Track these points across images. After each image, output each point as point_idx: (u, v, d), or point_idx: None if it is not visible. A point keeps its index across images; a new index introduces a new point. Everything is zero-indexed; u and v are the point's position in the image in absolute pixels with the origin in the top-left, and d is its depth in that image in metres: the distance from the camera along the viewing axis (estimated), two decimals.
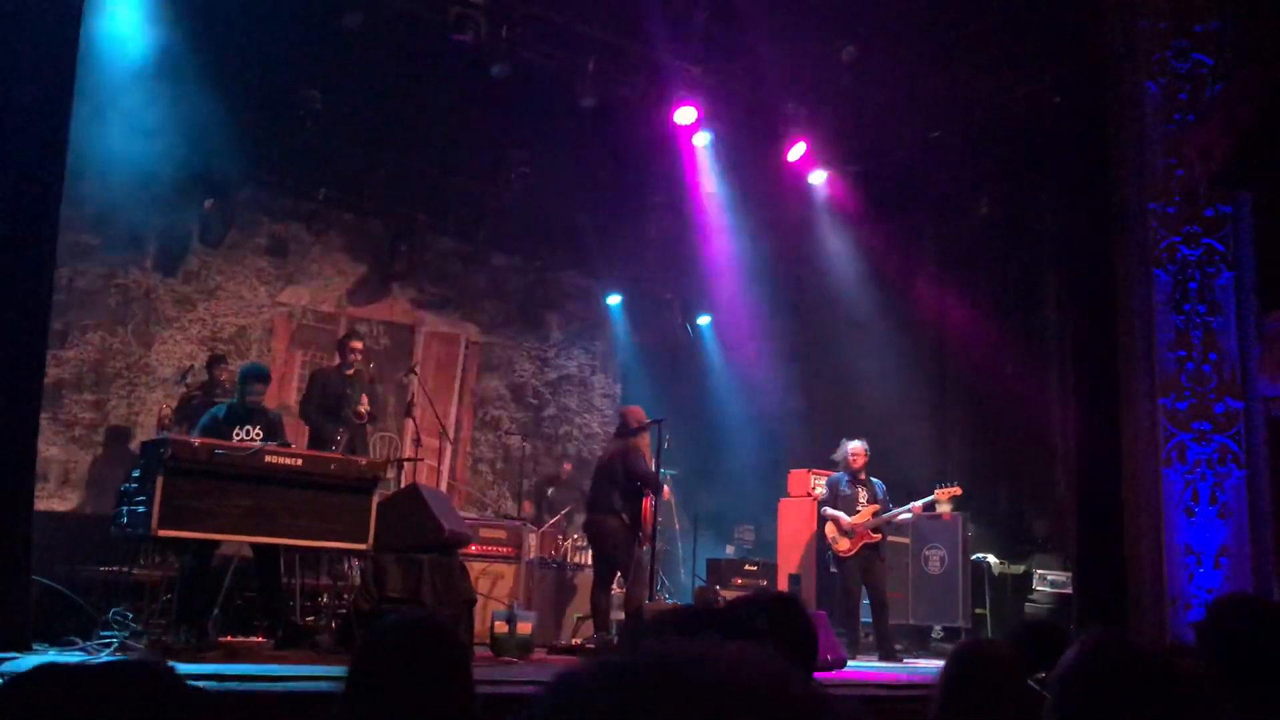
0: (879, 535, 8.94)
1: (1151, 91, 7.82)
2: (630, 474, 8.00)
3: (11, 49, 5.69)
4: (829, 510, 9.07)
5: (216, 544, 6.47)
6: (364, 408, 8.64)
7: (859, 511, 8.94)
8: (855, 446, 9.13)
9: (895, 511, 9.01)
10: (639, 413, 8.44)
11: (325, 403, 8.74)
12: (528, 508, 11.26)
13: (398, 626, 2.14)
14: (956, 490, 9.12)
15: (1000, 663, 2.37)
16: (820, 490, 9.62)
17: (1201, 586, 7.26)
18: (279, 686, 4.63)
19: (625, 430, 8.31)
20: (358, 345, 9.04)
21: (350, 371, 8.84)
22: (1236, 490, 7.38)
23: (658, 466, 8.41)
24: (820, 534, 9.32)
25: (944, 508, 9.57)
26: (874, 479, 9.15)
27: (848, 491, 9.06)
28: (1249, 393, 7.45)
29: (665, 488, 8.76)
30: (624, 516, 8.00)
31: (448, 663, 2.06)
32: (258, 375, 7.11)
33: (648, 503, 8.10)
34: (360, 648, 2.17)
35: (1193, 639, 6.87)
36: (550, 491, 11.48)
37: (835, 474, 9.38)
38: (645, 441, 8.38)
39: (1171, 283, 7.61)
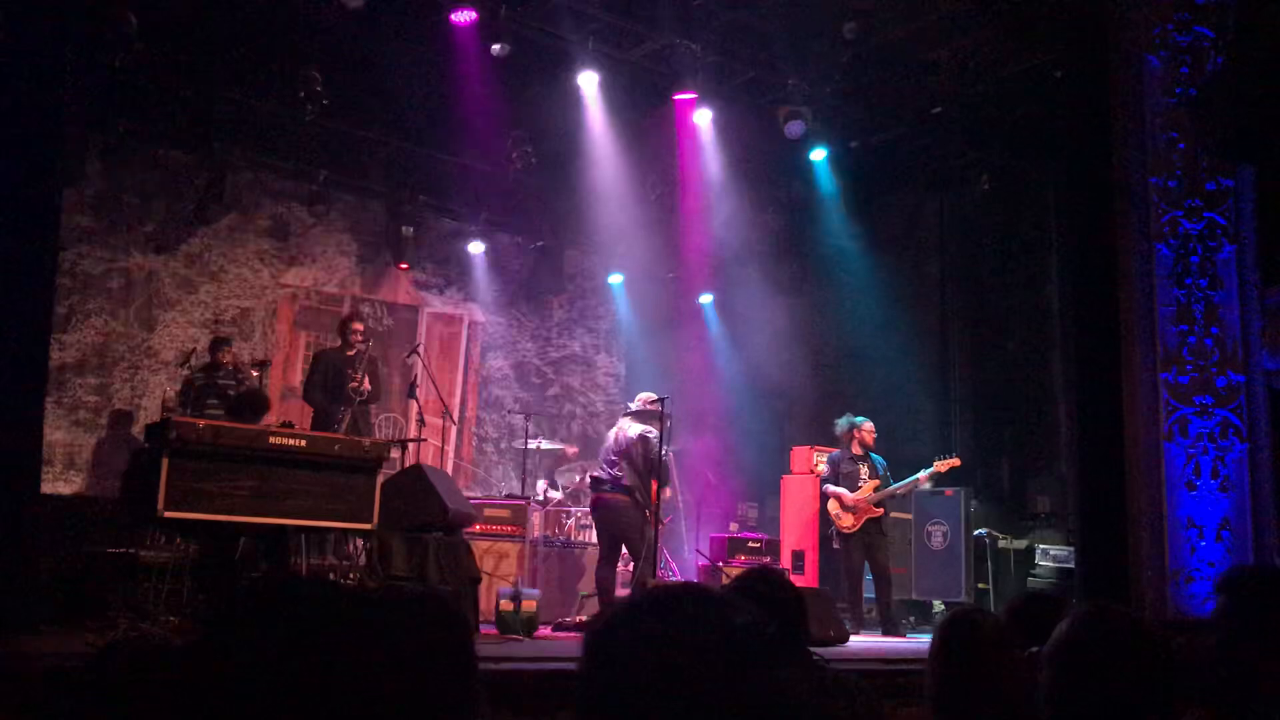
0: (881, 510, 8.99)
1: (1153, 65, 7.78)
2: (649, 461, 8.04)
3: (5, 33, 5.68)
4: (831, 488, 9.10)
5: (234, 530, 6.50)
6: (364, 385, 8.67)
7: (860, 487, 8.98)
8: (869, 425, 9.17)
9: (896, 486, 9.04)
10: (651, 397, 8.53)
11: (328, 384, 8.76)
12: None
13: (400, 602, 2.16)
14: (956, 461, 9.16)
15: (987, 632, 2.39)
16: (823, 467, 9.65)
17: (1203, 559, 7.28)
18: None
19: (644, 414, 8.34)
20: (359, 326, 9.06)
21: (353, 352, 8.86)
22: (1238, 463, 7.39)
23: (662, 445, 8.44)
24: (823, 511, 9.36)
25: (927, 483, 9.54)
26: (874, 455, 9.19)
27: (849, 468, 9.10)
28: (1250, 366, 7.45)
29: (669, 489, 8.80)
30: (637, 497, 8.04)
31: (450, 638, 2.08)
32: (252, 404, 7.11)
33: (655, 485, 8.14)
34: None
35: (1193, 612, 6.90)
36: (556, 472, 11.50)
37: (837, 451, 9.42)
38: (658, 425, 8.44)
39: (1173, 257, 7.60)
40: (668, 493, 8.86)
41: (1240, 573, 2.92)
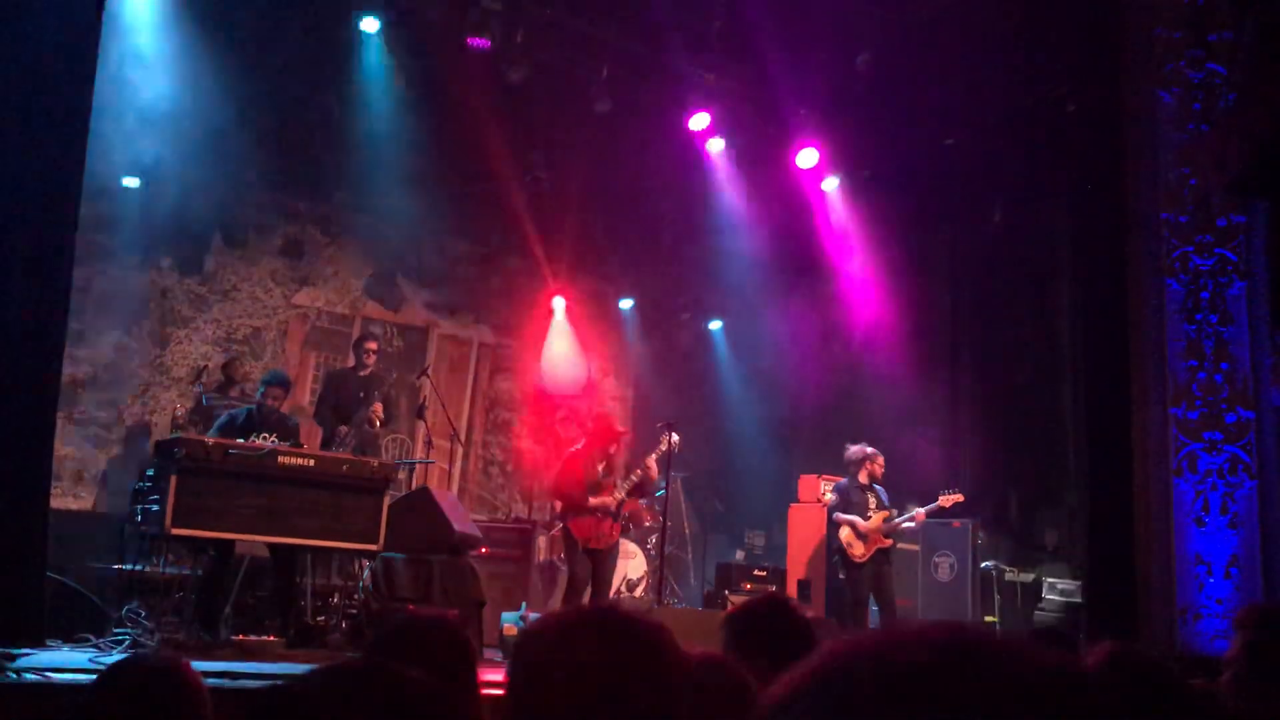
0: (890, 541, 8.95)
1: (1165, 101, 7.81)
2: None
3: (33, 50, 5.75)
4: (842, 515, 9.06)
5: (234, 544, 6.51)
6: (379, 416, 8.64)
7: (870, 517, 8.95)
8: (880, 458, 9.08)
9: (903, 518, 9.00)
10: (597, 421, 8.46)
11: (339, 404, 8.77)
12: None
13: (405, 625, 2.17)
14: (959, 497, 9.08)
15: None
16: (830, 496, 9.62)
17: (1211, 596, 7.24)
18: None
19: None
20: (373, 347, 9.07)
21: (365, 373, 8.87)
22: (1248, 500, 7.36)
23: (668, 472, 8.41)
24: (829, 539, 9.32)
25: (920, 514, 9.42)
26: (878, 485, 9.15)
27: (858, 497, 9.07)
28: (1261, 403, 7.43)
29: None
30: (561, 523, 8.12)
31: (454, 662, 2.09)
32: (276, 380, 7.15)
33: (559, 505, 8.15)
34: (369, 645, 2.20)
35: (1201, 649, 6.85)
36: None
37: (844, 480, 9.39)
38: (611, 450, 8.23)
39: (1184, 292, 7.60)
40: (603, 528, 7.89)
41: (1257, 611, 2.92)
